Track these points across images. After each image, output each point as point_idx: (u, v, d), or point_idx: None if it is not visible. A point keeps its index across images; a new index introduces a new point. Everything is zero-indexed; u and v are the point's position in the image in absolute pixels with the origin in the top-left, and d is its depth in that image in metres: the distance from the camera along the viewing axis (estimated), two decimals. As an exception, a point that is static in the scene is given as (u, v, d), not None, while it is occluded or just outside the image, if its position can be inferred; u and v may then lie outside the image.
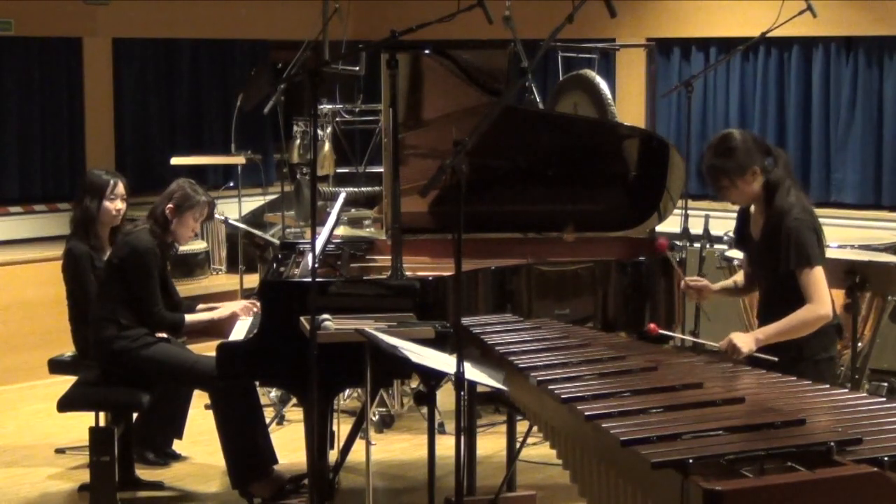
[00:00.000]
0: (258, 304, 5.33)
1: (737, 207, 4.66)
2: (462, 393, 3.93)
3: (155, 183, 8.83)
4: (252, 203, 8.94)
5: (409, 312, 4.78)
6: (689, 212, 6.58)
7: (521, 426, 4.96)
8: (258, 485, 5.27)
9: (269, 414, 6.36)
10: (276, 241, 6.62)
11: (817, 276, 4.29)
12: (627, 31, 8.43)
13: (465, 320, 4.45)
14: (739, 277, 4.82)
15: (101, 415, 5.37)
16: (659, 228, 6.26)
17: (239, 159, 8.20)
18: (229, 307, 5.65)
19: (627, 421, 3.13)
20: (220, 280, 8.56)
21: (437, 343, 4.32)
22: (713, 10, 8.36)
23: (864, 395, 3.77)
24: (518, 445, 4.96)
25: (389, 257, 5.11)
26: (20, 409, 7.02)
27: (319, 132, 7.30)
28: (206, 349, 5.52)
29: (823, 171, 8.04)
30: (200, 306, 5.76)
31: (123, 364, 5.34)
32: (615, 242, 5.95)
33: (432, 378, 4.00)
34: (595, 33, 7.97)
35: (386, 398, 6.58)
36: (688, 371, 3.75)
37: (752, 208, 4.54)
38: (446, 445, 4.57)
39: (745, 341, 4.25)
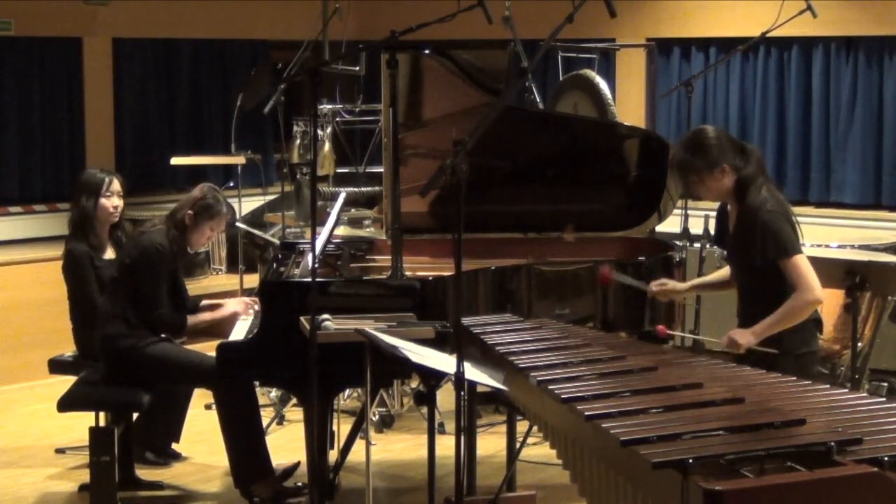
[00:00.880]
0: (258, 301, 5.33)
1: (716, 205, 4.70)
2: (462, 393, 3.93)
3: (155, 183, 8.86)
4: (252, 203, 8.94)
5: (409, 312, 4.78)
6: (689, 212, 6.59)
7: (521, 426, 4.95)
8: (259, 485, 5.27)
9: (269, 414, 6.36)
10: (276, 241, 6.63)
11: (800, 264, 4.29)
12: (627, 31, 8.44)
13: (465, 320, 4.45)
14: (726, 272, 4.82)
15: (101, 415, 5.37)
16: (659, 228, 6.27)
17: (239, 159, 8.19)
18: (230, 305, 5.65)
19: (627, 421, 3.13)
20: (221, 280, 8.56)
21: (437, 343, 4.32)
22: (713, 10, 8.36)
23: (864, 395, 3.77)
24: (518, 445, 4.95)
25: (389, 257, 5.12)
26: (20, 409, 7.02)
27: (319, 132, 7.30)
28: (207, 349, 5.52)
29: (823, 171, 8.05)
30: (204, 302, 5.76)
31: (128, 362, 5.34)
32: (615, 242, 5.95)
33: (432, 378, 3.99)
34: (595, 33, 7.97)
35: (386, 398, 6.58)
36: (688, 371, 3.75)
37: (729, 207, 4.56)
38: (446, 445, 4.56)
39: (744, 336, 4.28)
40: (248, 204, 8.77)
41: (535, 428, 3.99)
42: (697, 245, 6.54)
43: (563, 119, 6.34)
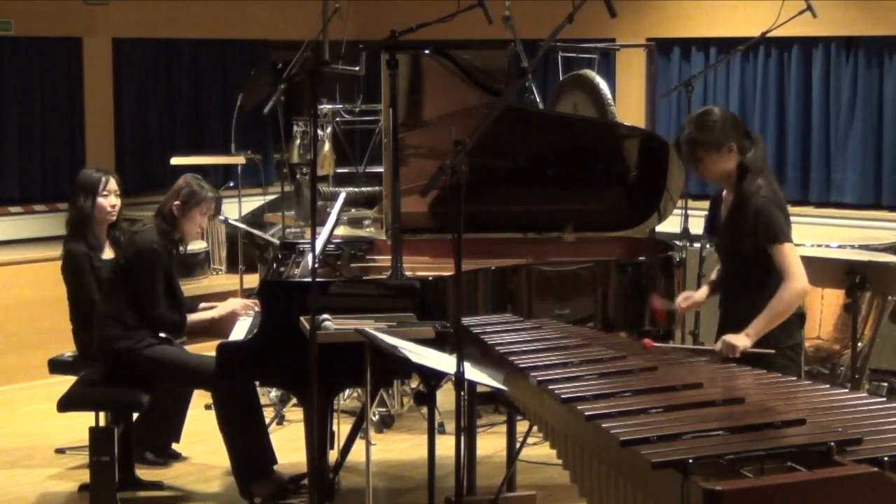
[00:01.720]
0: (258, 302, 5.33)
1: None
2: (462, 393, 3.93)
3: (155, 183, 8.85)
4: (252, 203, 8.94)
5: (410, 312, 4.78)
6: (689, 212, 6.58)
7: (521, 426, 4.95)
8: (258, 485, 5.27)
9: (269, 414, 6.36)
10: (276, 241, 6.62)
11: (788, 252, 4.30)
12: (627, 31, 8.43)
13: (466, 320, 4.45)
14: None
15: (101, 415, 5.37)
16: (659, 228, 6.27)
17: (239, 159, 8.19)
18: (229, 305, 5.65)
19: (627, 421, 3.13)
20: (220, 280, 8.56)
21: (437, 343, 4.32)
22: (713, 10, 8.36)
23: (864, 395, 3.77)
24: (518, 445, 4.96)
25: (389, 257, 5.11)
26: (20, 409, 7.02)
27: (319, 132, 7.30)
28: (207, 349, 5.52)
29: (823, 171, 8.04)
30: (202, 305, 5.76)
31: (127, 364, 5.34)
32: (615, 242, 5.95)
33: (432, 378, 4.00)
34: (595, 33, 7.96)
35: (386, 398, 6.57)
36: (688, 371, 3.75)
37: (724, 194, 4.57)
38: (446, 445, 4.56)
39: (740, 339, 4.27)
40: (248, 204, 8.78)
41: (535, 428, 3.99)
42: (697, 245, 6.55)
43: (564, 119, 6.34)
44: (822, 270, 5.47)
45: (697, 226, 6.62)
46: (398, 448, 6.19)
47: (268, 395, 6.68)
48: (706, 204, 4.88)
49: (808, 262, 5.44)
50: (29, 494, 5.64)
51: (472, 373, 3.74)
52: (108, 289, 5.47)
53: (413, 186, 5.14)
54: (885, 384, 6.52)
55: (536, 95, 6.89)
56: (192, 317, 5.53)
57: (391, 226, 5.11)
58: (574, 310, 5.34)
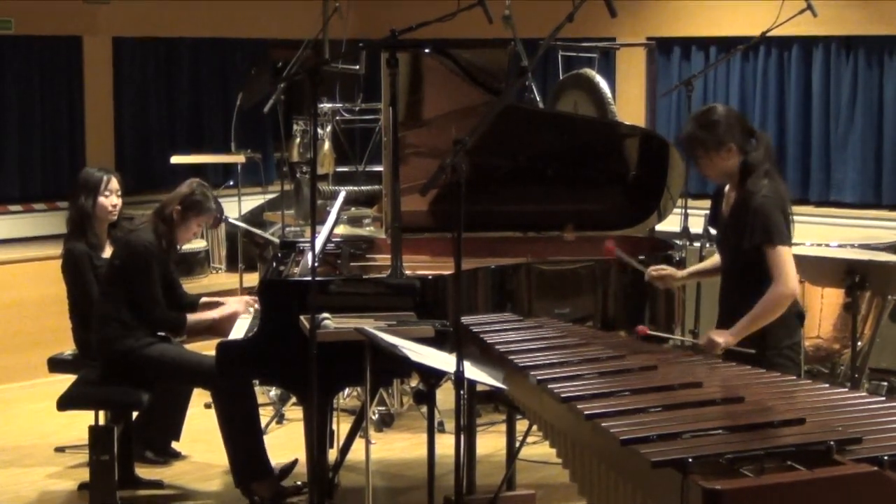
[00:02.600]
0: (258, 300, 5.33)
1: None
2: (462, 392, 3.93)
3: (155, 182, 8.86)
4: (252, 202, 8.95)
5: (409, 311, 4.78)
6: (689, 211, 6.58)
7: (521, 425, 4.95)
8: (259, 484, 5.27)
9: (268, 413, 6.37)
10: (276, 240, 6.62)
11: (781, 255, 4.29)
12: (627, 31, 8.43)
13: (465, 319, 4.45)
14: (717, 258, 4.83)
15: (101, 413, 5.36)
16: (659, 228, 6.27)
17: (239, 158, 8.20)
18: (230, 304, 5.65)
19: (627, 420, 3.13)
20: (220, 279, 8.56)
21: (437, 342, 4.32)
22: (713, 10, 8.36)
23: (864, 394, 3.77)
24: (518, 444, 4.96)
25: (389, 256, 5.11)
26: (20, 408, 7.01)
27: (319, 131, 7.30)
28: (206, 348, 5.52)
29: (823, 171, 8.04)
30: (203, 300, 5.76)
31: (126, 363, 5.33)
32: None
33: (432, 377, 4.00)
34: (595, 33, 7.97)
35: (386, 397, 6.57)
36: (687, 370, 3.75)
37: (727, 188, 4.57)
38: (446, 444, 4.57)
39: (723, 336, 4.27)
40: (247, 203, 8.78)
41: (534, 427, 3.99)
42: (697, 244, 6.55)
43: (564, 118, 6.34)
44: (822, 270, 5.47)
45: (697, 225, 6.63)
46: (398, 447, 6.19)
47: (267, 395, 6.68)
48: (706, 203, 4.88)
49: (808, 261, 5.48)
50: (29, 493, 5.64)
51: (472, 372, 3.74)
52: (106, 289, 5.47)
53: (413, 185, 5.13)
54: (885, 383, 6.52)
55: (536, 94, 6.89)
56: (193, 317, 5.53)
57: (391, 224, 5.10)
58: (574, 309, 5.34)
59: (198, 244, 8.41)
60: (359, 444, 5.17)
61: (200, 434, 6.10)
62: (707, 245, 6.49)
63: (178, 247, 5.67)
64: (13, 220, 8.46)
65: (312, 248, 4.21)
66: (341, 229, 6.59)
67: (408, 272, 5.06)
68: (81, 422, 5.61)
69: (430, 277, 5.03)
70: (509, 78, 5.55)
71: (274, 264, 5.64)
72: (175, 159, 8.21)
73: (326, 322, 4.47)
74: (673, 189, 5.88)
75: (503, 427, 5.35)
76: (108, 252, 5.78)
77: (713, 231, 5.09)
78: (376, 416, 6.45)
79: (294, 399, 6.23)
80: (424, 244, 5.78)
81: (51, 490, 5.67)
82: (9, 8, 8.26)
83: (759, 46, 8.04)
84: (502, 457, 5.53)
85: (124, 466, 5.51)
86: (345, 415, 6.23)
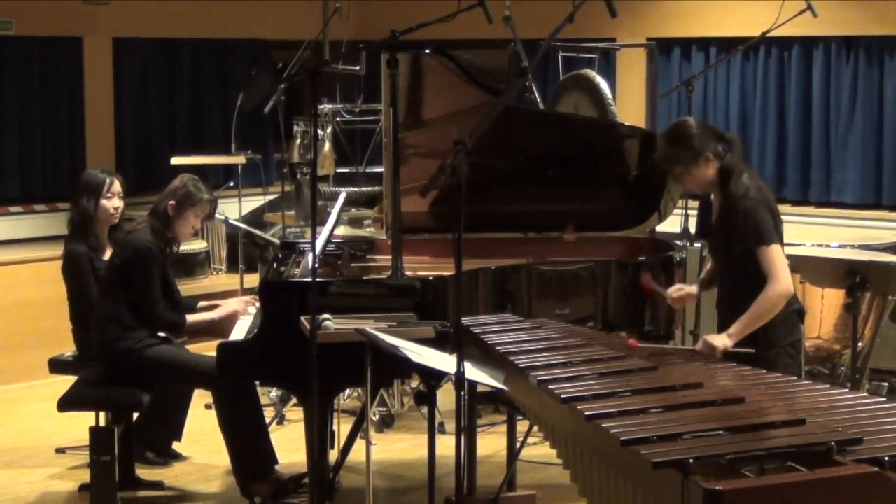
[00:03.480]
0: (257, 299, 5.33)
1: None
2: (462, 393, 3.94)
3: (155, 183, 8.83)
4: (252, 203, 8.94)
5: (410, 312, 4.78)
6: (689, 212, 6.58)
7: (522, 426, 4.96)
8: (259, 485, 5.27)
9: (269, 414, 6.36)
10: (277, 241, 6.62)
11: (774, 254, 4.30)
12: (627, 31, 8.43)
13: (466, 320, 4.45)
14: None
15: (102, 414, 5.36)
16: (659, 228, 6.27)
17: (239, 159, 8.19)
18: (230, 305, 5.65)
19: (627, 421, 3.13)
20: (221, 280, 8.56)
21: (438, 343, 4.32)
22: (713, 10, 8.36)
23: (864, 395, 3.77)
24: (518, 445, 4.96)
25: (389, 257, 5.11)
26: (20, 409, 7.01)
27: (319, 132, 7.30)
28: (207, 349, 5.52)
29: (823, 171, 8.04)
30: (202, 303, 5.76)
31: (127, 364, 5.33)
32: (615, 242, 5.95)
33: (432, 378, 4.00)
34: (595, 33, 7.97)
35: (386, 398, 6.57)
36: (688, 371, 3.75)
37: (712, 196, 4.58)
38: (446, 445, 4.56)
39: (720, 340, 4.28)
40: (248, 204, 8.78)
41: (535, 428, 3.99)
42: (697, 245, 6.55)
43: (564, 119, 6.34)
44: (822, 270, 5.48)
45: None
46: (398, 448, 6.19)
47: (268, 395, 6.68)
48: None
49: (809, 262, 5.48)
50: (29, 494, 5.64)
51: (473, 372, 3.74)
52: (106, 289, 5.46)
53: (413, 186, 5.14)
54: (886, 384, 6.52)
55: (536, 95, 6.89)
56: (193, 317, 5.53)
57: (391, 225, 5.10)
58: (574, 310, 5.34)
59: (198, 245, 8.41)
60: (359, 444, 5.17)
61: (201, 435, 6.10)
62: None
63: (180, 243, 5.66)
64: (13, 221, 8.45)
65: (313, 249, 4.21)
66: (342, 230, 6.59)
67: (408, 273, 5.06)
68: (82, 423, 5.61)
69: (430, 278, 5.03)
70: (509, 79, 5.55)
71: (274, 265, 5.64)
72: (175, 160, 8.21)
73: (327, 323, 4.47)
74: (673, 190, 5.88)
75: (504, 428, 5.35)
76: (108, 254, 5.78)
77: (698, 244, 5.12)
78: (377, 416, 6.45)
79: (295, 400, 6.23)
80: (425, 245, 5.78)
81: (51, 491, 5.67)
82: (9, 8, 8.26)
83: (760, 47, 8.04)
84: (503, 458, 5.53)
85: (125, 467, 5.51)
86: (345, 416, 6.23)
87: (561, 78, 7.42)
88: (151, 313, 5.39)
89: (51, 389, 6.06)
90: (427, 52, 5.46)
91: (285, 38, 9.10)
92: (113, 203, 5.77)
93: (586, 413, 3.22)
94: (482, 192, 5.50)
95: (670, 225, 6.40)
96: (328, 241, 5.43)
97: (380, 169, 6.23)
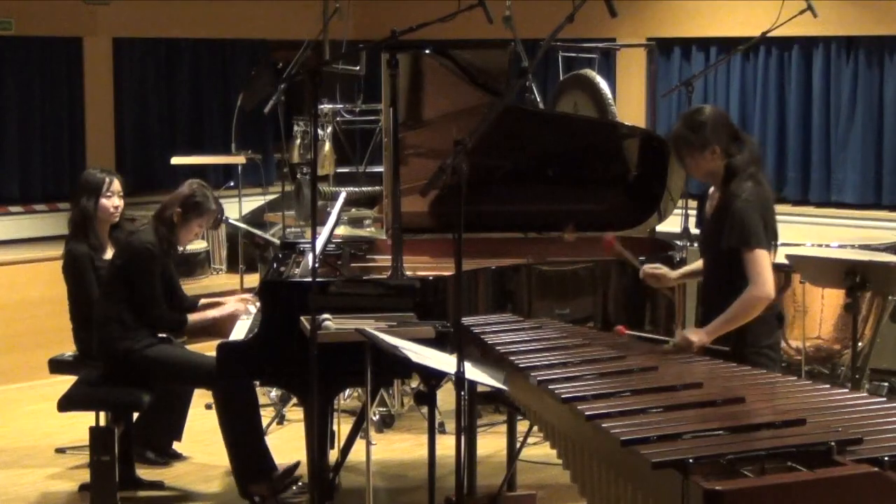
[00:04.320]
0: (257, 298, 5.33)
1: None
2: (462, 393, 3.93)
3: (155, 183, 8.87)
4: (252, 203, 8.95)
5: (410, 312, 4.78)
6: (689, 212, 6.59)
7: (522, 426, 4.96)
8: (259, 484, 5.27)
9: (269, 414, 6.37)
10: (277, 241, 6.62)
11: (758, 258, 4.29)
12: (628, 31, 8.44)
13: (466, 320, 4.45)
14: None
15: (102, 414, 5.36)
16: (659, 228, 6.27)
17: (239, 159, 8.20)
18: (230, 305, 5.65)
19: (627, 421, 3.13)
20: (221, 280, 8.56)
21: (438, 343, 4.32)
22: (713, 10, 8.36)
23: (864, 395, 3.77)
24: (518, 445, 4.96)
25: (389, 257, 5.11)
26: (20, 409, 7.01)
27: (320, 132, 7.30)
28: (207, 349, 5.52)
29: (823, 171, 8.05)
30: (202, 301, 5.76)
31: (127, 364, 5.33)
32: (615, 242, 5.95)
33: (432, 378, 4.00)
34: (595, 33, 7.97)
35: (386, 398, 6.57)
36: (688, 371, 3.75)
37: (711, 191, 4.58)
38: (446, 445, 4.56)
39: (697, 335, 4.27)
40: (248, 204, 8.78)
41: (535, 428, 3.99)
42: (697, 245, 6.54)
43: (564, 119, 6.34)
44: (822, 270, 5.47)
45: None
46: (398, 448, 6.19)
47: (268, 395, 6.68)
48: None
49: (809, 262, 5.48)
50: (29, 494, 5.64)
51: (473, 372, 3.74)
52: (107, 290, 5.47)
53: (413, 186, 5.14)
54: (886, 384, 6.52)
55: (536, 95, 6.89)
56: (193, 316, 5.53)
57: (391, 225, 5.10)
58: (574, 310, 5.34)
59: (198, 245, 8.41)
60: (359, 444, 5.17)
61: (201, 435, 6.10)
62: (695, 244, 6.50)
63: (180, 248, 5.67)
64: (14, 221, 8.46)
65: (313, 249, 4.21)
66: (342, 230, 6.59)
67: (408, 273, 5.06)
68: (82, 423, 5.61)
69: (430, 278, 5.03)
70: (509, 78, 5.55)
71: (274, 265, 5.64)
72: (175, 160, 8.22)
73: (327, 323, 4.47)
74: (673, 190, 5.88)
75: (504, 428, 5.35)
76: (109, 253, 5.78)
77: (697, 231, 5.11)
78: (377, 416, 6.45)
79: (295, 400, 6.23)
80: (425, 245, 5.78)
81: (51, 491, 5.67)
82: (9, 8, 8.26)
83: (760, 47, 8.04)
84: (503, 457, 5.53)
85: (125, 467, 5.51)
86: (345, 415, 6.23)
87: (561, 78, 7.42)
88: (152, 314, 5.39)
89: (51, 389, 6.06)
90: (427, 52, 5.46)
91: (285, 38, 9.10)
92: (113, 202, 5.78)
93: (586, 413, 3.22)
94: (482, 192, 5.50)
95: (670, 225, 6.40)
96: (328, 241, 5.43)
97: (380, 169, 6.22)
